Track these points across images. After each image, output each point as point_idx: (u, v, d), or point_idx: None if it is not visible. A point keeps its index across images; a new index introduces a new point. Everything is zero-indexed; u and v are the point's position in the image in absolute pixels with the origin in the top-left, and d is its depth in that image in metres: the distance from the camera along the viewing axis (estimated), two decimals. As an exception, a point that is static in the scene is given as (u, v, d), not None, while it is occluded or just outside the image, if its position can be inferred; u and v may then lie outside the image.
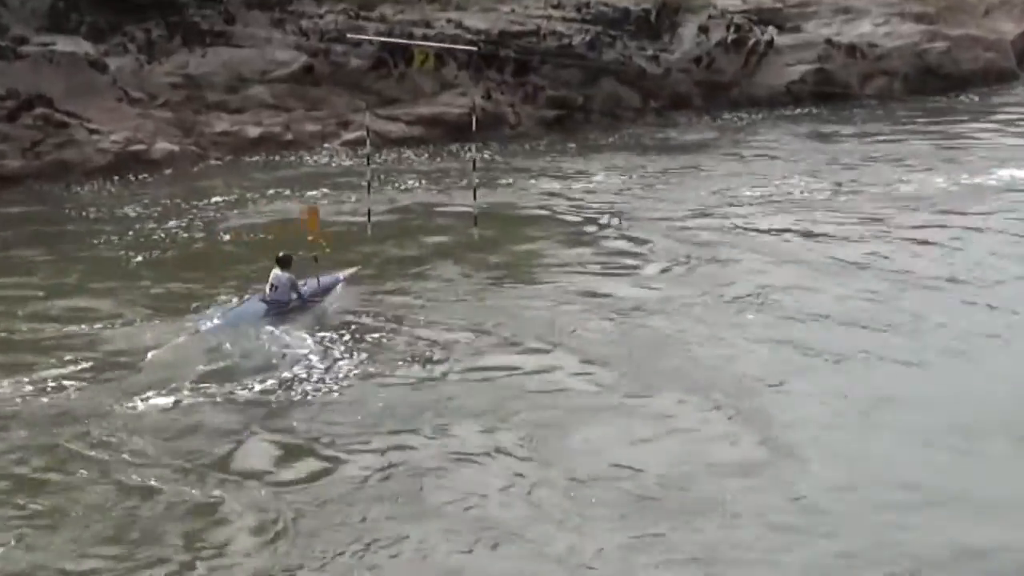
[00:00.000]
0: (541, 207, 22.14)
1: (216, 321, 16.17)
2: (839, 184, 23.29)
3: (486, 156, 25.68)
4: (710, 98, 31.41)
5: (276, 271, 16.75)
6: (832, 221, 20.54)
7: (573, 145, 27.93)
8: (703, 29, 31.88)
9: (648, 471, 11.65)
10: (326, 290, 17.30)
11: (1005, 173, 23.80)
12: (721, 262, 18.39)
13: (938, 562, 10.13)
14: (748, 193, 22.70)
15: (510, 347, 14.95)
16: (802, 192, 22.80)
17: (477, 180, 19.90)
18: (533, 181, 24.23)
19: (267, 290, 16.73)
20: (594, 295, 16.88)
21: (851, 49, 32.92)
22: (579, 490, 11.32)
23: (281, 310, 16.60)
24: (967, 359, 14.34)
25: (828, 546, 10.34)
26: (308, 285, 17.05)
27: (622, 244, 19.55)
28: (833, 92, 31.99)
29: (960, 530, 10.57)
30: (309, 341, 15.33)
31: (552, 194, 23.12)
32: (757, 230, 20.18)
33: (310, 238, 16.93)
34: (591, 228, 20.63)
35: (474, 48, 27.81)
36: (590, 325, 15.65)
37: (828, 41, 32.81)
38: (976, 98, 32.85)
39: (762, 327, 15.45)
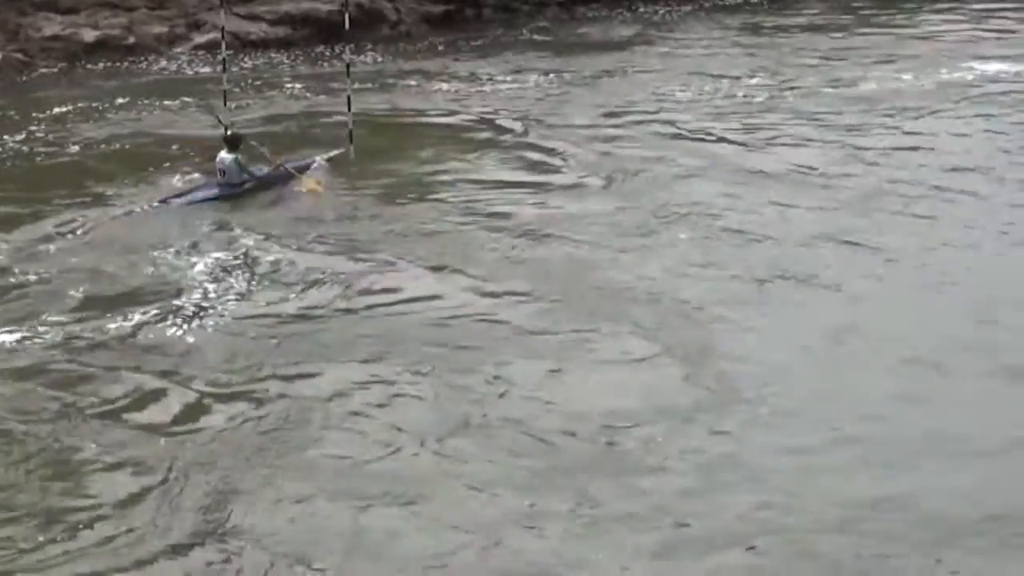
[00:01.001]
0: (435, 115, 21.25)
1: (156, 204, 16.86)
2: (784, 82, 22.65)
3: (365, 59, 25.18)
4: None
5: (222, 153, 17.45)
6: (775, 126, 19.83)
7: (467, 44, 27.28)
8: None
9: (569, 414, 10.74)
10: (292, 172, 17.65)
11: (982, 68, 23.25)
12: (649, 174, 17.51)
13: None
14: (677, 96, 22.11)
15: (405, 275, 13.93)
16: (742, 94, 22.11)
17: (351, 87, 18.75)
18: (422, 85, 23.48)
19: (217, 175, 17.52)
20: (501, 215, 15.95)
21: None
22: (488, 438, 10.40)
23: (234, 192, 17.33)
24: (932, 285, 13.45)
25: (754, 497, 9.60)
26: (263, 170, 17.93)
27: (533, 155, 18.59)
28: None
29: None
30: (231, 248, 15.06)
31: (449, 99, 22.34)
32: (688, 137, 19.39)
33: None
34: (494, 137, 19.71)
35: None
36: (496, 247, 14.74)
37: None
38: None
39: (698, 248, 14.54)
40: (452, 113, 21.36)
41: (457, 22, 28.88)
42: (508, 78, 23.94)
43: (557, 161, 18.23)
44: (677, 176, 17.42)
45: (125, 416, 10.97)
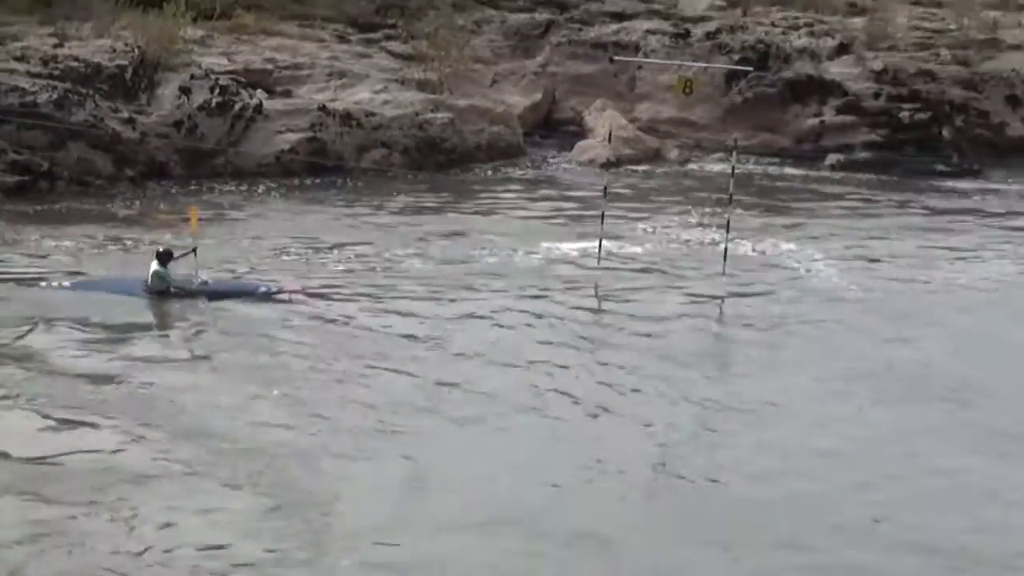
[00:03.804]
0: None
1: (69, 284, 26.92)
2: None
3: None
4: (192, 166, 38.20)
5: (153, 265, 26.51)
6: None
7: (33, 212, 33.65)
8: (185, 90, 38.82)
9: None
10: (229, 292, 26.71)
11: (516, 254, 31.82)
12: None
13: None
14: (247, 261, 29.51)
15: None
16: (296, 259, 29.80)
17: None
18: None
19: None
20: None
21: (347, 117, 40.54)
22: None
23: (158, 290, 26.59)
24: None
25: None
26: (206, 281, 26.90)
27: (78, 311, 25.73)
28: (326, 164, 39.31)
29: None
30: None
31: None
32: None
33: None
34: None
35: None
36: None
37: (322, 108, 40.35)
38: (486, 172, 41.37)
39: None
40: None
41: (31, 194, 34.69)
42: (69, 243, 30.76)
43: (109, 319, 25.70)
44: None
45: None
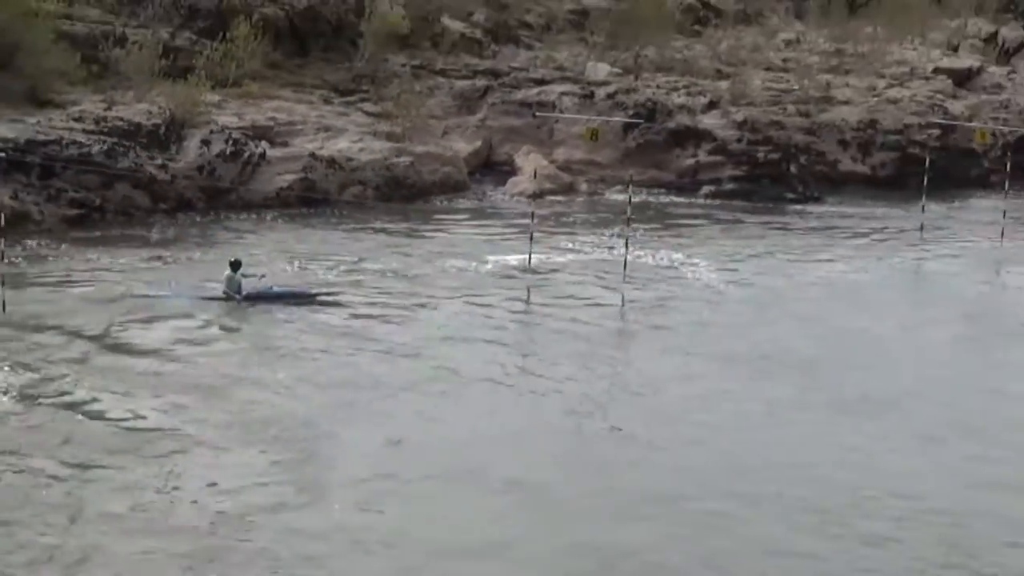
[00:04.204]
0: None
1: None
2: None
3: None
4: (212, 201, 38.09)
5: (227, 271, 27.28)
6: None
7: (90, 238, 33.67)
8: (205, 142, 38.70)
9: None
10: (288, 296, 27.39)
11: (468, 264, 32.01)
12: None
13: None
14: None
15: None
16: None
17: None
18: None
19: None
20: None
21: (331, 162, 40.45)
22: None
23: (232, 292, 27.03)
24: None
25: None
26: (271, 287, 27.50)
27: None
28: (316, 198, 39.34)
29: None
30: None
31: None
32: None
33: None
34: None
35: (1, 154, 33.24)
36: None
37: (312, 155, 40.27)
38: (440, 203, 41.42)
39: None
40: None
41: (87, 223, 34.85)
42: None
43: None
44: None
45: None
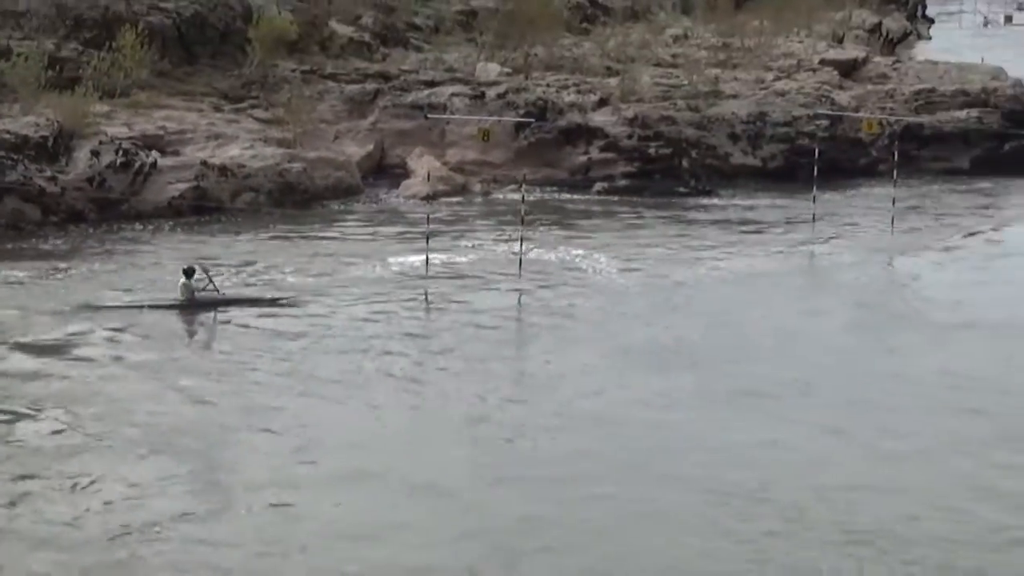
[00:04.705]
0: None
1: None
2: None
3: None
4: (104, 212, 37.77)
5: (181, 279, 27.98)
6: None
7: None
8: (95, 153, 38.39)
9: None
10: (240, 300, 28.21)
11: (367, 267, 32.36)
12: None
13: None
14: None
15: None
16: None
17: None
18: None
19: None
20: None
21: (223, 169, 40.32)
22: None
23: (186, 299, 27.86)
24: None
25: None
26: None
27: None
28: (209, 206, 39.20)
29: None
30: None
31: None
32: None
33: None
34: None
35: None
36: None
37: (203, 163, 40.11)
38: (334, 208, 41.37)
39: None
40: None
41: None
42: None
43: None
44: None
45: None
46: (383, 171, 46.17)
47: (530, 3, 54.54)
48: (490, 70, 51.26)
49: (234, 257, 33.44)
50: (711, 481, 18.66)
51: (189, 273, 28.21)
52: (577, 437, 20.52)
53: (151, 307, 27.89)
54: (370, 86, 48.31)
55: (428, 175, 41.18)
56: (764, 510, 17.72)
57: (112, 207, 38.15)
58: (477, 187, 44.81)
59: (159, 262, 32.52)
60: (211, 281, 28.33)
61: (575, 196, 44.16)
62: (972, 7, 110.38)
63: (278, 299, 28.68)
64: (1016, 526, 17.50)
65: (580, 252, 34.14)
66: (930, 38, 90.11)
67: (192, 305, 27.91)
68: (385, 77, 49.56)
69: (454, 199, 42.96)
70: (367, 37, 53.78)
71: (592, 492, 18.20)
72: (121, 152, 38.77)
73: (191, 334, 26.91)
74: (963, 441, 20.63)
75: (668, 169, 46.56)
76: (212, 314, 27.69)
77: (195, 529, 16.74)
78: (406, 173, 44.97)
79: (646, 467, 19.27)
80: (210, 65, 48.20)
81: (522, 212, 32.48)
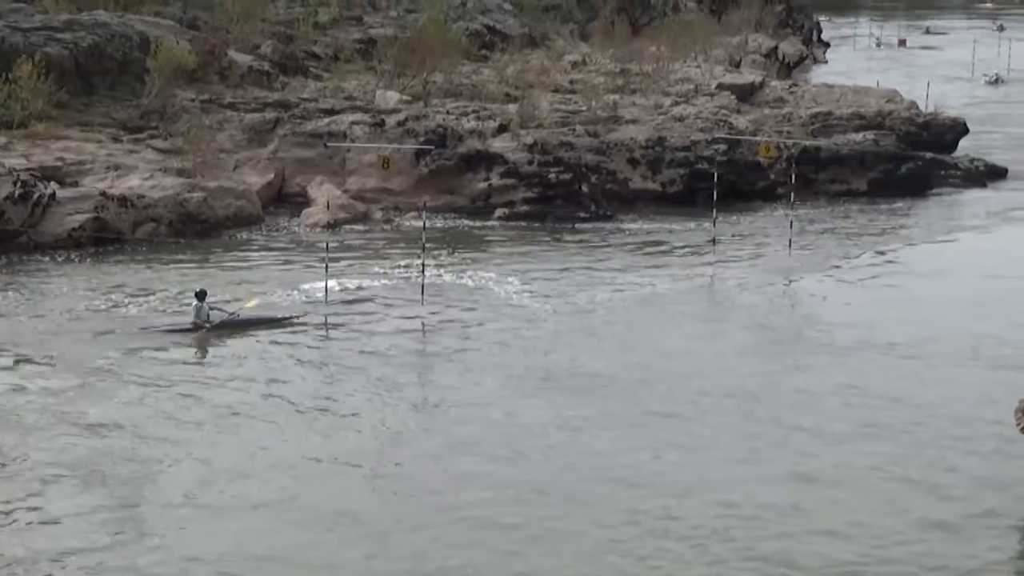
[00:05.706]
0: None
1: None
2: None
3: None
4: (2, 244, 37.57)
5: (194, 302, 29.25)
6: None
7: None
8: (-8, 185, 38.52)
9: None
10: (255, 321, 29.40)
11: (264, 296, 32.61)
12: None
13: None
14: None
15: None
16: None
17: None
18: None
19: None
20: None
21: (123, 200, 40.55)
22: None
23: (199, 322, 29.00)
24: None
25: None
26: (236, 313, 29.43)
27: None
28: (109, 237, 39.35)
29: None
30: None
31: None
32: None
33: None
34: None
35: None
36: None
37: (103, 194, 40.32)
38: (235, 237, 41.61)
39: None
40: None
41: None
42: None
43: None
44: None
45: None
46: (284, 200, 46.58)
47: (428, 31, 55.22)
48: (389, 98, 51.84)
49: (140, 286, 33.85)
50: (614, 502, 19.39)
51: (201, 296, 29.32)
52: (477, 461, 21.28)
53: (167, 331, 28.90)
54: (270, 115, 48.74)
55: (329, 203, 41.68)
56: (672, 530, 18.57)
57: (10, 239, 38.13)
58: (378, 215, 45.29)
59: (65, 293, 32.96)
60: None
61: (476, 222, 44.81)
62: (866, 30, 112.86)
63: (288, 318, 29.99)
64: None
65: (482, 277, 34.81)
66: (826, 61, 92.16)
67: (207, 328, 28.85)
68: (285, 106, 50.00)
69: (356, 227, 43.44)
70: (266, 66, 54.35)
71: (495, 516, 18.86)
72: (19, 183, 38.87)
73: (107, 363, 27.09)
74: (863, 455, 21.70)
75: (569, 194, 47.29)
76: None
77: (103, 556, 17.11)
78: (307, 202, 45.37)
79: (548, 490, 19.93)
80: (108, 96, 48.52)
81: (423, 239, 32.99)
